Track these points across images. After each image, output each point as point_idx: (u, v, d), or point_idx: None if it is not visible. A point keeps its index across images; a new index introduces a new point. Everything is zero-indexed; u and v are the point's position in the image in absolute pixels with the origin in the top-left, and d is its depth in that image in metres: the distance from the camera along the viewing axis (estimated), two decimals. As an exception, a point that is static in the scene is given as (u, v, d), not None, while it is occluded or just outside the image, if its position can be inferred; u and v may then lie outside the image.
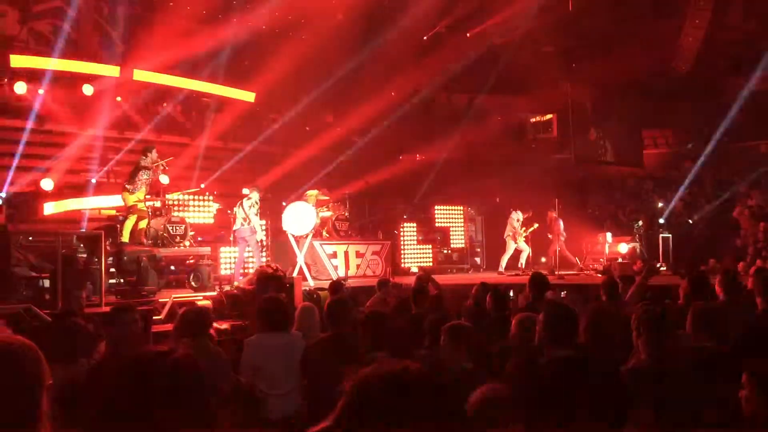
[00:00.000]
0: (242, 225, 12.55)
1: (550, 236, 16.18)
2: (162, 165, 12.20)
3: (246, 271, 12.76)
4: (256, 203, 12.66)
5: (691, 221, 18.61)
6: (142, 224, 12.05)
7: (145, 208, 12.09)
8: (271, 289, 8.32)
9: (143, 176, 11.91)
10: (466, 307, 7.17)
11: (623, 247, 16.70)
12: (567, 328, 3.93)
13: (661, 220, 18.45)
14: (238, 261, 12.87)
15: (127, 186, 11.89)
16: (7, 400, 1.97)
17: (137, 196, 11.92)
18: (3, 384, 1.98)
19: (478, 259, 18.29)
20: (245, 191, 16.13)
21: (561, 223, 16.03)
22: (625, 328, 4.64)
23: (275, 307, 5.37)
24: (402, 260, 16.41)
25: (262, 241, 13.30)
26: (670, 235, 15.97)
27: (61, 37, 14.35)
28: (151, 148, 12.32)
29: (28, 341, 2.09)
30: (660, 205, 19.87)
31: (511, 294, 9.86)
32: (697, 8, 20.39)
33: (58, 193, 13.52)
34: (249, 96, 16.67)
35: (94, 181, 14.08)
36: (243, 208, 12.56)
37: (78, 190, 13.97)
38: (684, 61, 21.37)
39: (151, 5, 16.06)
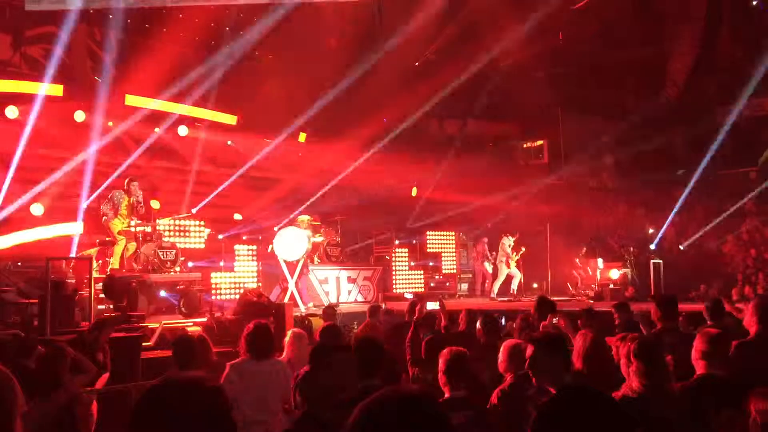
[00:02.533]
0: None
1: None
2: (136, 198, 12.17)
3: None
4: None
5: (681, 247, 18.66)
6: (131, 248, 12.04)
7: (132, 233, 12.08)
8: (256, 316, 8.25)
9: (119, 201, 11.95)
10: (456, 333, 7.14)
11: (615, 273, 16.72)
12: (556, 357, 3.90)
13: (652, 246, 18.50)
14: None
15: (103, 208, 12.01)
16: None
17: (124, 223, 11.92)
18: None
19: (465, 285, 18.27)
20: (237, 217, 16.19)
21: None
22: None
23: (260, 334, 5.36)
24: (394, 286, 16.37)
25: None
26: (660, 261, 16.01)
27: (54, 62, 14.37)
28: (134, 179, 12.41)
29: (1, 368, 2.06)
30: (651, 231, 19.93)
31: (503, 321, 9.82)
32: (686, 35, 20.66)
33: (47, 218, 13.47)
34: (231, 119, 16.77)
35: (84, 206, 14.02)
36: None
37: (68, 214, 13.90)
38: (673, 87, 21.60)
39: (144, 31, 16.13)
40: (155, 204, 13.45)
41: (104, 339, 7.50)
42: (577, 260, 17.02)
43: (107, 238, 12.43)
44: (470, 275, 18.60)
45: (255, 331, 5.40)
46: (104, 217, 12.04)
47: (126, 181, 12.42)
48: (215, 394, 1.71)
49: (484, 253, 17.48)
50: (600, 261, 17.15)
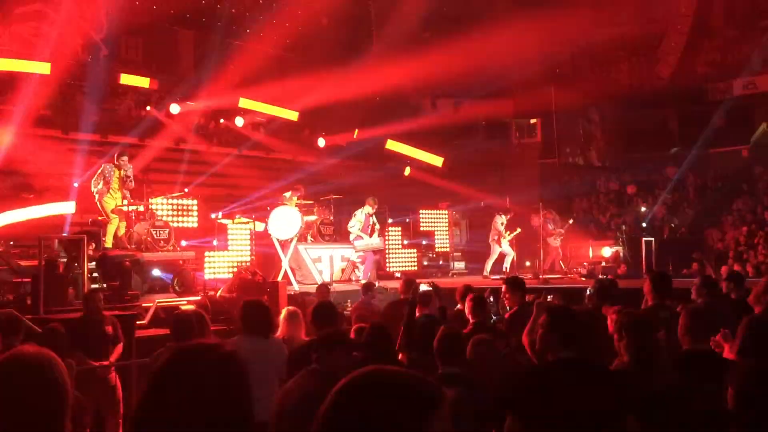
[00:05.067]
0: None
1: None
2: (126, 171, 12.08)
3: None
4: (360, 219, 13.50)
5: (673, 225, 18.75)
6: (123, 228, 12.00)
7: (126, 211, 12.05)
8: (250, 294, 8.30)
9: (110, 175, 11.86)
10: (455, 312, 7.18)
11: (607, 251, 16.79)
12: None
13: (644, 224, 18.58)
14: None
15: (94, 184, 11.93)
16: (38, 421, 1.79)
17: (116, 198, 11.87)
18: (36, 401, 1.80)
19: (463, 264, 18.26)
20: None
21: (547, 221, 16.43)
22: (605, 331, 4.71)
23: (257, 312, 5.37)
24: (387, 264, 16.37)
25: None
26: (652, 239, 16.09)
27: (44, 41, 14.24)
28: (123, 153, 12.29)
29: (55, 355, 1.91)
30: (643, 209, 20.01)
31: (491, 299, 9.83)
32: (679, 14, 20.61)
33: (39, 197, 13.42)
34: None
35: (76, 185, 13.96)
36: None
37: (60, 194, 13.85)
38: (666, 66, 21.59)
39: (134, 8, 15.99)
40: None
41: (104, 313, 7.58)
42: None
43: (99, 217, 12.39)
44: (458, 254, 18.59)
45: (251, 309, 5.42)
46: (97, 195, 11.96)
47: (116, 155, 12.32)
48: (230, 359, 1.72)
49: (546, 228, 16.97)
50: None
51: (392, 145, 18.22)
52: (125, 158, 12.12)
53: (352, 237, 13.65)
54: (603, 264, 15.91)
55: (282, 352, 5.32)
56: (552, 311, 4.06)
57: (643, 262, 15.39)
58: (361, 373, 1.47)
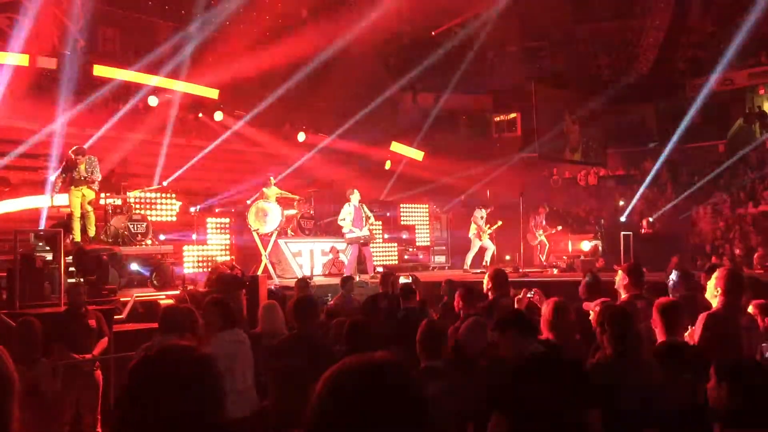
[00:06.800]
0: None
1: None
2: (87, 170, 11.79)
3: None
4: (349, 212, 13.15)
5: (651, 219, 18.89)
6: (91, 221, 11.72)
7: (91, 208, 11.77)
8: (227, 289, 8.24)
9: (72, 172, 11.57)
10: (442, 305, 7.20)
11: (586, 245, 16.90)
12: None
13: (622, 219, 18.72)
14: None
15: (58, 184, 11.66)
16: None
17: (84, 195, 11.63)
18: None
19: (443, 258, 18.30)
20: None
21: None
22: (584, 323, 4.73)
23: (220, 307, 5.34)
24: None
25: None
26: (630, 233, 16.20)
27: (20, 32, 14.02)
28: (79, 151, 11.93)
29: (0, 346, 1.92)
30: (621, 203, 20.16)
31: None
32: (658, 10, 20.74)
33: (14, 191, 13.23)
34: (212, 93, 16.53)
35: (52, 178, 13.76)
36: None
37: (36, 187, 13.65)
38: (645, 62, 21.73)
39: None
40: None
41: (87, 306, 7.51)
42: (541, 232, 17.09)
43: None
44: (443, 247, 18.63)
45: (213, 306, 5.37)
46: (59, 188, 11.68)
47: (72, 151, 11.98)
48: (205, 362, 1.71)
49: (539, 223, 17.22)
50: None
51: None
52: (81, 157, 11.76)
53: (344, 231, 13.51)
54: (582, 258, 16.01)
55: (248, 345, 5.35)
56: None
57: (622, 256, 15.48)
58: (342, 365, 1.48)
